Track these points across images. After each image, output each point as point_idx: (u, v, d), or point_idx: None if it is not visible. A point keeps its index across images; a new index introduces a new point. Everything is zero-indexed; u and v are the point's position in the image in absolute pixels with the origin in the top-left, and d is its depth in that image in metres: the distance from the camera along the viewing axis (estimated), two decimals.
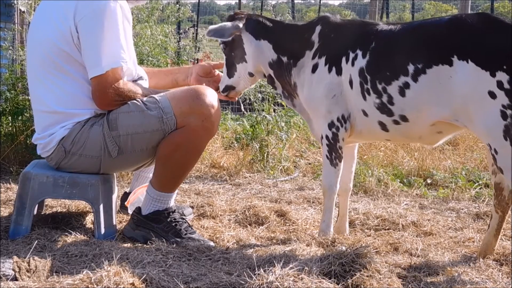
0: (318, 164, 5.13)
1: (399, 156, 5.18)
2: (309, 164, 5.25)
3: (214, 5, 23.50)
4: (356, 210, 3.68)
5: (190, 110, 2.82)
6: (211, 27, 3.11)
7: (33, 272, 2.26)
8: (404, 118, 2.75)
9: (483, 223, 3.54)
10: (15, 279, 2.21)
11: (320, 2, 17.62)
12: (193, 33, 11.40)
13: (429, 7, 21.81)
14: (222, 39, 3.10)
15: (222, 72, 3.33)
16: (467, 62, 2.51)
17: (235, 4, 18.57)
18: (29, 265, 2.28)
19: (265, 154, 5.08)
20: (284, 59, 3.08)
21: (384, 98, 2.74)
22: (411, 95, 2.68)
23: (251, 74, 3.18)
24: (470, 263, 2.73)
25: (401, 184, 4.53)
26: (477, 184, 4.50)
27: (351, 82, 2.84)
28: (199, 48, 8.86)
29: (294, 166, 5.16)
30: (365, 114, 2.85)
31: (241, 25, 3.10)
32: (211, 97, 2.86)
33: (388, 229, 3.34)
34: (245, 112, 6.14)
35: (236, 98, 3.37)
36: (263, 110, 5.43)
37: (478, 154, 5.31)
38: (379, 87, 2.75)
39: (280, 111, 5.72)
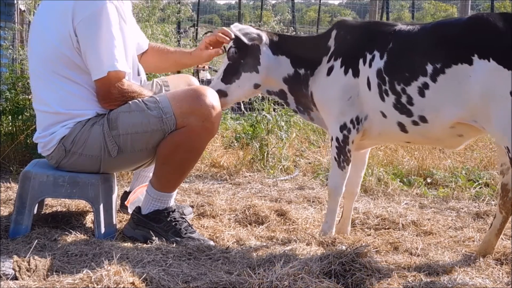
0: (318, 163, 5.13)
1: (399, 155, 5.18)
2: (309, 163, 5.25)
3: (214, 4, 23.50)
4: (356, 209, 3.68)
5: (190, 110, 2.82)
6: (238, 24, 3.10)
7: (33, 272, 2.26)
8: (423, 119, 2.72)
9: (483, 223, 3.54)
10: (15, 278, 2.21)
11: (320, 1, 17.63)
12: (193, 33, 11.41)
13: (428, 7, 21.78)
14: (244, 39, 3.03)
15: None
16: (489, 61, 2.48)
17: (235, 4, 18.56)
18: (29, 265, 2.28)
19: (265, 154, 5.08)
20: (301, 71, 3.06)
21: (403, 99, 2.72)
22: (430, 95, 2.65)
23: (257, 86, 3.13)
24: (470, 263, 2.73)
25: (401, 184, 4.52)
26: (477, 183, 4.50)
27: (369, 84, 2.81)
28: None
29: (294, 166, 5.16)
30: (384, 115, 2.81)
31: (264, 37, 3.08)
32: (211, 97, 2.86)
33: (388, 228, 3.34)
34: (245, 112, 6.14)
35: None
36: (263, 109, 5.43)
37: (478, 154, 5.31)
38: (398, 88, 2.72)
39: (280, 110, 5.72)
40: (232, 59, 3.10)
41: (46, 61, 2.83)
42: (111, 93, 2.80)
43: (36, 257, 2.35)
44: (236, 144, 5.50)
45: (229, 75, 3.10)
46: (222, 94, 3.07)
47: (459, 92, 2.58)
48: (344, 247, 2.64)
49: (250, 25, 3.21)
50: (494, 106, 2.48)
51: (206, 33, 9.84)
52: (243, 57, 3.08)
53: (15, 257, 2.30)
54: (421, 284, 2.41)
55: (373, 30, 2.94)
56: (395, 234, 3.20)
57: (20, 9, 8.39)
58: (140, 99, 2.86)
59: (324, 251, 2.72)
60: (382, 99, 2.78)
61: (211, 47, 3.23)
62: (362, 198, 4.12)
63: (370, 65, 2.81)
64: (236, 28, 3.07)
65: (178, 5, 7.78)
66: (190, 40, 9.03)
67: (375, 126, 2.89)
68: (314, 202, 3.99)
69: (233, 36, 3.10)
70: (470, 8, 8.95)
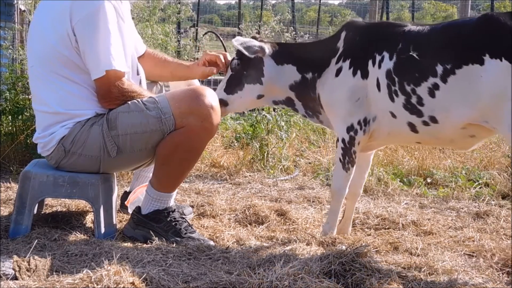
0: (318, 163, 5.13)
1: (399, 155, 5.18)
2: (309, 163, 5.25)
3: (214, 4, 23.52)
4: (356, 209, 3.68)
5: (189, 110, 2.82)
6: (239, 37, 3.10)
7: (33, 272, 2.27)
8: (433, 119, 2.71)
9: (483, 223, 3.54)
10: (15, 278, 2.21)
11: (320, 1, 17.63)
12: (193, 33, 11.41)
13: (428, 7, 21.79)
14: (246, 53, 3.03)
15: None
16: (501, 60, 2.46)
17: (235, 4, 18.57)
18: (29, 265, 2.28)
19: (265, 154, 5.08)
20: (309, 75, 3.06)
21: (414, 99, 2.70)
22: (441, 96, 2.64)
23: (260, 96, 3.14)
24: (470, 263, 2.73)
25: (401, 183, 4.53)
26: (477, 183, 4.50)
27: (378, 85, 2.80)
28: (199, 47, 8.88)
29: (294, 165, 5.16)
30: (394, 115, 2.81)
31: (267, 50, 3.09)
32: (211, 97, 2.86)
33: (388, 228, 3.34)
34: (245, 111, 6.14)
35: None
36: (263, 109, 5.43)
37: (478, 154, 5.31)
38: (408, 88, 2.71)
39: (280, 110, 5.72)
40: (234, 70, 3.12)
41: (45, 61, 2.83)
42: (111, 92, 2.80)
43: (36, 257, 2.35)
44: (236, 144, 5.50)
45: (232, 86, 3.12)
46: (222, 103, 3.08)
47: (470, 93, 2.56)
48: (344, 247, 2.64)
49: (252, 33, 3.22)
50: (505, 106, 2.47)
51: (206, 33, 9.85)
52: (246, 68, 3.10)
53: (15, 257, 2.30)
54: (421, 284, 2.41)
55: (383, 31, 2.93)
56: (395, 234, 3.20)
57: (20, 9, 8.39)
58: (139, 99, 2.86)
59: (324, 251, 2.72)
60: (392, 99, 2.77)
61: (208, 64, 3.26)
62: (362, 198, 4.11)
63: (379, 66, 2.80)
64: (238, 42, 3.05)
65: (178, 5, 7.80)
66: (190, 40, 9.02)
67: (384, 127, 2.88)
68: (314, 202, 3.99)
69: (223, 61, 3.17)
70: (470, 8, 8.96)
